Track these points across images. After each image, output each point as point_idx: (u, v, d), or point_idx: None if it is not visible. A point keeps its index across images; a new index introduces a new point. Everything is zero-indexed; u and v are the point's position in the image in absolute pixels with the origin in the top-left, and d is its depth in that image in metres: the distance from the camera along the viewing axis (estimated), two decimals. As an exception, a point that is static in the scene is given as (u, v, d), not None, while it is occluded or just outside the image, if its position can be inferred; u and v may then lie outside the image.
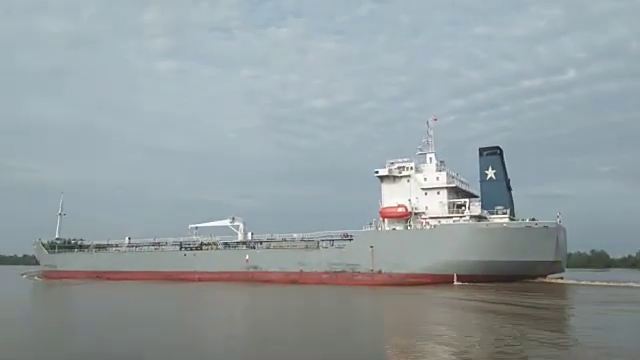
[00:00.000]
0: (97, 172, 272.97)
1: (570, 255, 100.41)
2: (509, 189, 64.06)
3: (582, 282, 58.32)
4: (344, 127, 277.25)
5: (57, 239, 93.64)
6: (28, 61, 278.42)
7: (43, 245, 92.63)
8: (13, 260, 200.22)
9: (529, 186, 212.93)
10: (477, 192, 66.15)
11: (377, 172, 65.99)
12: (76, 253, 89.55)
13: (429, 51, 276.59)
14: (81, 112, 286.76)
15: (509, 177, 64.46)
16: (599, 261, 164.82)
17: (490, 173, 63.10)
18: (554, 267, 57.94)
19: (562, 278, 60.41)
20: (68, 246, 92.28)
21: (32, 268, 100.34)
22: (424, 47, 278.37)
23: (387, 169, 65.48)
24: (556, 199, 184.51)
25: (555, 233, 56.49)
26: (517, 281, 55.62)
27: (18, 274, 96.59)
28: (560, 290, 51.10)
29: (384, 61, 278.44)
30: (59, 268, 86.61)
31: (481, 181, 64.05)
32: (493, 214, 61.04)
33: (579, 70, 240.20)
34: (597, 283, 57.18)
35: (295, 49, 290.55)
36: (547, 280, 59.12)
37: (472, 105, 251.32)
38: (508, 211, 61.03)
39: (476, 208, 62.47)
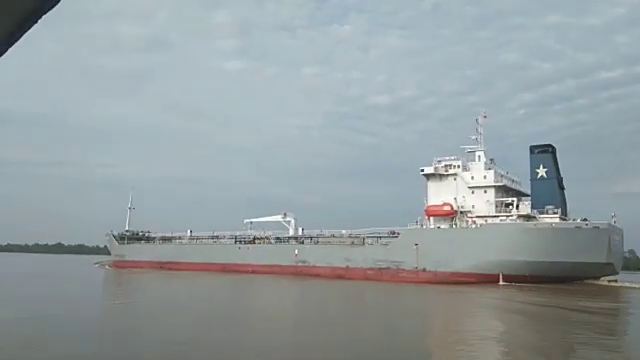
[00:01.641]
0: (167, 168, 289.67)
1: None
2: (562, 188, 62.23)
3: (637, 285, 55.90)
4: (406, 123, 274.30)
5: (126, 231, 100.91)
6: (106, 64, 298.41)
7: (114, 237, 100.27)
8: (95, 250, 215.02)
9: (609, 184, 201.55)
10: (529, 191, 64.79)
11: (422, 170, 66.25)
12: (143, 244, 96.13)
13: (497, 43, 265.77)
14: (154, 112, 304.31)
15: (562, 176, 62.65)
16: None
17: (541, 171, 61.63)
18: (606, 269, 55.78)
19: (616, 281, 58.08)
20: (136, 238, 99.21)
21: (105, 258, 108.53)
22: (491, 39, 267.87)
23: (433, 167, 65.55)
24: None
25: (607, 234, 54.41)
26: (567, 283, 54.30)
27: (92, 263, 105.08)
28: (611, 293, 49.52)
29: (449, 55, 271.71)
30: (127, 258, 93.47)
31: (532, 180, 62.72)
32: (543, 214, 59.68)
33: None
34: None
35: (358, 46, 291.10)
36: (599, 282, 57.11)
37: (544, 99, 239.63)
38: (559, 211, 59.42)
39: (525, 207, 61.33)
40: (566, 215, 60.66)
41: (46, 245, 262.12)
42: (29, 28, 2.53)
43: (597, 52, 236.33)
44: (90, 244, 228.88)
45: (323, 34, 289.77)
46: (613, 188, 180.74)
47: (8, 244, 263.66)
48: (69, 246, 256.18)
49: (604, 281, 58.01)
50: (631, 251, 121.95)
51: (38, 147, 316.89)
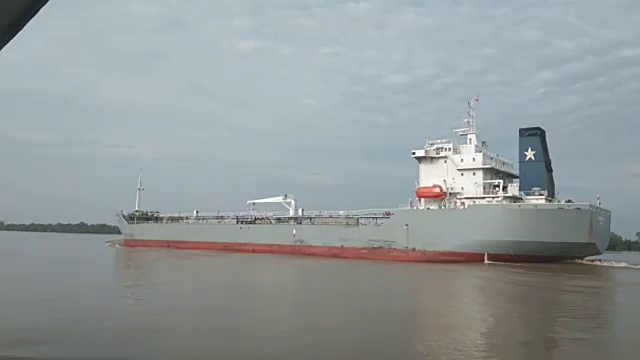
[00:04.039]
0: (179, 149, 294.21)
1: None
2: (549, 170, 63.85)
3: (621, 264, 57.82)
4: (422, 103, 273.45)
5: (136, 211, 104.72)
6: (121, 44, 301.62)
7: (124, 216, 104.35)
8: (117, 230, 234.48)
9: (628, 164, 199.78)
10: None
11: (414, 153, 68.22)
12: (151, 224, 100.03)
13: (516, 20, 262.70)
14: (167, 93, 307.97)
15: (550, 158, 64.18)
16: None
17: (529, 154, 63.18)
18: (588, 249, 57.70)
19: (600, 261, 59.97)
20: (145, 217, 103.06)
21: (117, 237, 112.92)
22: (510, 16, 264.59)
23: (424, 150, 67.47)
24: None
25: (589, 215, 56.16)
26: (551, 262, 56.25)
27: (104, 241, 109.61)
28: (593, 272, 51.67)
29: (466, 33, 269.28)
30: (136, 237, 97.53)
31: (520, 162, 64.40)
32: (530, 195, 61.49)
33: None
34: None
35: (373, 24, 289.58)
36: (582, 262, 59.11)
37: (564, 77, 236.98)
38: (546, 192, 61.17)
39: (514, 189, 63.13)
40: (553, 197, 62.39)
41: (69, 225, 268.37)
42: (39, 8, 2.51)
43: (618, 29, 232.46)
44: (112, 224, 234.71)
45: (338, 12, 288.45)
46: (632, 168, 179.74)
47: (32, 224, 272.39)
48: (92, 225, 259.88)
49: (587, 261, 59.97)
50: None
51: (56, 128, 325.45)
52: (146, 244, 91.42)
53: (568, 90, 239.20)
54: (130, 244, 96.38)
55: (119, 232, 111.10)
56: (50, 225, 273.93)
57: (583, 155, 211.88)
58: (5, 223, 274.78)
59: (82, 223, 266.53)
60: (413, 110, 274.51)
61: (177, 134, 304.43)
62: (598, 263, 59.03)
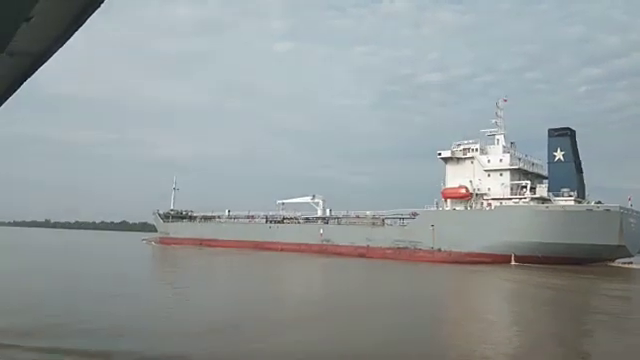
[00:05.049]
0: (218, 150, 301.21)
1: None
2: (580, 171, 62.62)
3: None
4: (459, 102, 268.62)
5: (171, 210, 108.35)
6: (164, 47, 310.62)
7: (159, 215, 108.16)
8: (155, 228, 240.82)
9: None
10: None
11: (440, 154, 68.18)
12: (185, 223, 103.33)
13: (559, 16, 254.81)
14: (207, 94, 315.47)
15: (580, 159, 62.98)
16: None
17: (559, 154, 62.14)
18: (619, 251, 56.34)
19: (631, 263, 58.53)
20: (180, 216, 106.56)
21: (153, 234, 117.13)
22: (553, 12, 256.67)
23: (450, 151, 67.35)
24: None
25: (618, 217, 54.90)
26: (580, 264, 55.34)
27: (140, 240, 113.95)
28: (625, 275, 50.82)
29: (506, 30, 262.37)
30: (171, 235, 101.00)
31: (549, 162, 63.40)
32: (559, 196, 60.53)
33: None
34: None
35: (409, 22, 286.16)
36: (612, 264, 57.83)
37: (609, 74, 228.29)
38: (575, 193, 60.07)
39: (542, 190, 62.28)
40: (584, 198, 61.19)
41: (112, 223, 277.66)
42: (92, 12, 2.57)
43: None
44: (152, 222, 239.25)
45: (373, 12, 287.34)
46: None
47: (77, 222, 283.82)
48: (133, 224, 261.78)
49: (618, 263, 58.61)
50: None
51: (101, 129, 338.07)
52: (180, 242, 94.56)
53: (614, 87, 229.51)
54: (165, 242, 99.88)
55: (156, 230, 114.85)
56: (94, 223, 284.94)
57: (632, 155, 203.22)
58: (52, 221, 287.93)
59: (124, 221, 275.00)
60: (450, 110, 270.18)
61: (216, 135, 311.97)
62: (630, 266, 57.60)
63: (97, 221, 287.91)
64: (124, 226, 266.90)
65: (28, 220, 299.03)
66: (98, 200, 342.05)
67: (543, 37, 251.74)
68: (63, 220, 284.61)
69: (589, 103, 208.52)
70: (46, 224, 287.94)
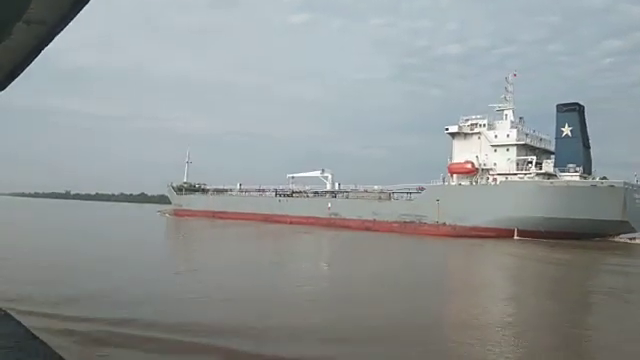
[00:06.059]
0: (232, 123, 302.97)
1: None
2: (587, 147, 62.42)
3: None
4: (478, 75, 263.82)
5: (184, 183, 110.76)
6: (179, 21, 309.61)
7: (173, 188, 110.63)
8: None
9: None
10: None
11: (447, 129, 68.35)
12: (197, 195, 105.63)
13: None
14: (222, 68, 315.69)
15: (589, 135, 62.70)
16: None
17: (566, 130, 61.87)
18: (622, 227, 56.58)
19: (635, 239, 58.78)
20: (192, 189, 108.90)
21: (167, 206, 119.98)
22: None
23: (457, 126, 67.46)
24: None
25: (622, 193, 55.00)
26: (582, 239, 55.85)
27: (156, 211, 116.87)
28: (628, 249, 51.45)
29: (527, 0, 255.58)
30: (184, 207, 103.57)
31: (556, 138, 63.22)
32: (565, 172, 60.60)
33: None
34: None
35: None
36: (616, 240, 58.20)
37: (632, 46, 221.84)
38: (581, 169, 60.07)
39: (549, 165, 62.37)
40: (590, 174, 61.18)
41: (131, 195, 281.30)
42: None
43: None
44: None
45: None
46: None
47: (97, 193, 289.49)
48: (152, 196, 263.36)
49: (623, 239, 58.93)
50: None
51: (118, 103, 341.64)
52: (193, 214, 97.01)
53: (637, 60, 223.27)
54: (179, 214, 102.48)
55: (170, 202, 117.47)
56: (113, 195, 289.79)
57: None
58: (72, 192, 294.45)
59: (143, 194, 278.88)
60: (469, 82, 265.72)
61: (230, 109, 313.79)
62: (634, 242, 57.89)
63: (116, 193, 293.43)
64: (143, 198, 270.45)
65: (48, 192, 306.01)
66: (117, 173, 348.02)
67: (564, 7, 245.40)
68: (83, 192, 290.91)
69: (613, 76, 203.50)
70: (66, 195, 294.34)
